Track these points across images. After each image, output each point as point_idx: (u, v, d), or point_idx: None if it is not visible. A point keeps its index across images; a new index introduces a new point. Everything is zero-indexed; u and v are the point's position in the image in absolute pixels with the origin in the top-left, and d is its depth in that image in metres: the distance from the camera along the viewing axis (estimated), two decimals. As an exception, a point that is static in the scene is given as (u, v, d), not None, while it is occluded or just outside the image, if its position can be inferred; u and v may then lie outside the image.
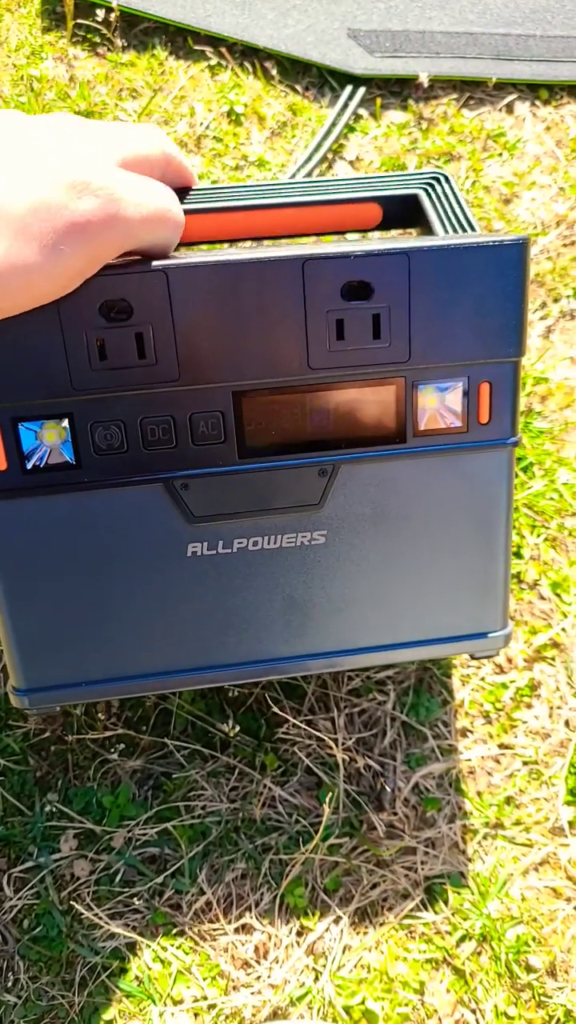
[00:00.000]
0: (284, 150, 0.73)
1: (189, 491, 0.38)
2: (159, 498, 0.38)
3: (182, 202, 0.38)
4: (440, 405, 0.37)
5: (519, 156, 0.76)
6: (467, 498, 0.42)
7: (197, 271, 0.31)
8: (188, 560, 0.39)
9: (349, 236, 0.49)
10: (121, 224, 0.28)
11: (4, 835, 0.54)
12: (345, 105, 0.74)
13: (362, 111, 0.75)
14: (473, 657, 0.44)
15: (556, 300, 0.68)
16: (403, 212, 0.42)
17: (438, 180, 0.43)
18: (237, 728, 0.53)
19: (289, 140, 0.73)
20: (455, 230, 0.40)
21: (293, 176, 0.70)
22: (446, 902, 0.52)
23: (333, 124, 0.73)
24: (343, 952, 0.50)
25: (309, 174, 0.71)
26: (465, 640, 0.44)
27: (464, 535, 0.43)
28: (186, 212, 0.38)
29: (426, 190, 0.41)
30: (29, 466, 0.35)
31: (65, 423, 0.34)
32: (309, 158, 0.71)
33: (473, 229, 0.39)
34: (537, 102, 0.78)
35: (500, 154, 0.75)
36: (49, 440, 0.34)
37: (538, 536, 0.58)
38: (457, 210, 0.41)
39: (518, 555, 0.58)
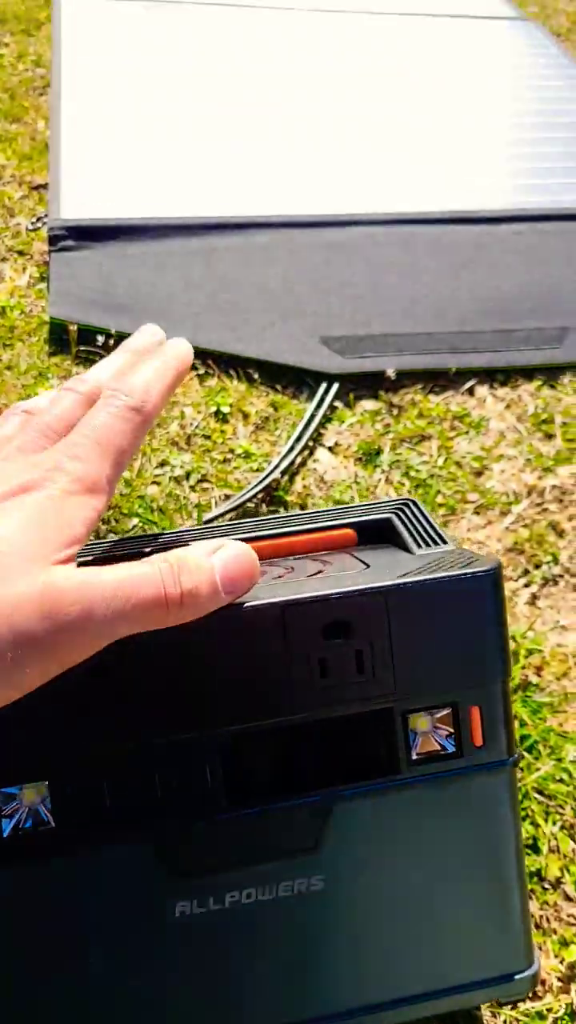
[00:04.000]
0: (268, 442, 0.79)
1: (175, 844, 0.36)
2: (141, 854, 0.36)
3: (154, 545, 0.40)
4: (431, 733, 0.37)
5: (485, 432, 0.82)
6: (470, 826, 0.39)
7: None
8: (176, 920, 0.36)
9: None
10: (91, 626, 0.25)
11: None
12: (322, 399, 0.82)
13: (337, 403, 0.83)
14: (499, 1004, 0.39)
15: (537, 566, 0.70)
16: (377, 535, 0.44)
17: (407, 505, 0.45)
18: None
19: (272, 432, 0.80)
20: (426, 543, 0.41)
21: (272, 471, 0.75)
22: None
23: (312, 416, 0.80)
24: None
25: (292, 463, 0.77)
26: (487, 987, 0.39)
27: (471, 866, 0.40)
28: (177, 545, 0.39)
29: (397, 514, 0.44)
30: (6, 833, 0.33)
31: (44, 782, 0.33)
32: (291, 448, 0.77)
33: (444, 542, 0.41)
34: (495, 384, 0.87)
35: (467, 432, 0.82)
36: (28, 800, 0.33)
37: (554, 824, 0.55)
38: (427, 526, 0.43)
39: (535, 848, 0.54)
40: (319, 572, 0.39)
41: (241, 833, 0.36)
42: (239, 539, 0.43)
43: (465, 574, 0.36)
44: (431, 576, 0.37)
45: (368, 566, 0.39)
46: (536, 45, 1.46)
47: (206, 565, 0.28)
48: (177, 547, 0.41)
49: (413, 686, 0.37)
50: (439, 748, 0.37)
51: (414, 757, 0.37)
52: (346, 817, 0.37)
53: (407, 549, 0.41)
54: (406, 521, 0.43)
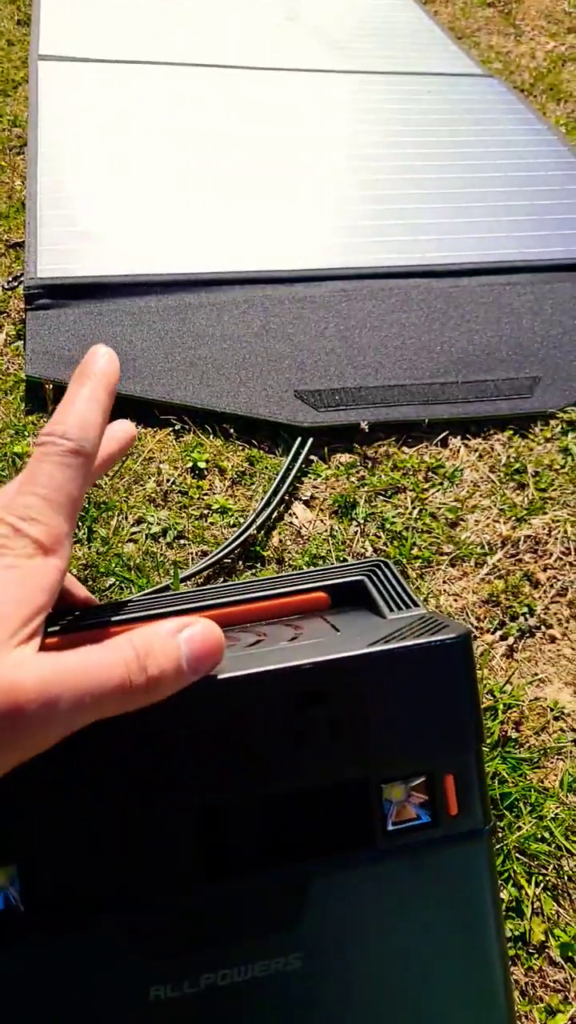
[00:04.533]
0: (244, 496, 0.80)
1: (148, 925, 0.35)
2: (115, 937, 0.35)
3: (130, 613, 0.40)
4: (406, 802, 0.36)
5: (458, 483, 0.83)
6: (446, 897, 0.39)
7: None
8: (151, 1004, 0.35)
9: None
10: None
11: None
12: (297, 453, 0.83)
13: (313, 456, 0.84)
14: None
15: (513, 618, 0.71)
16: (350, 597, 0.44)
17: (379, 566, 0.46)
18: None
19: (249, 487, 0.80)
20: (398, 607, 0.41)
21: (250, 523, 0.75)
22: None
23: (288, 470, 0.81)
24: None
25: (269, 518, 0.77)
26: None
27: (449, 940, 0.39)
28: (146, 619, 0.39)
29: (369, 576, 0.44)
30: None
31: (13, 867, 0.33)
32: (267, 503, 0.78)
33: (416, 605, 0.41)
34: (468, 435, 0.88)
35: (441, 483, 0.83)
36: None
37: (536, 885, 0.55)
38: (399, 589, 0.43)
39: (519, 911, 0.53)
40: (292, 639, 0.39)
41: (215, 912, 0.35)
42: (215, 604, 0.43)
43: (435, 642, 0.37)
44: (401, 644, 0.37)
45: (339, 632, 0.39)
46: (500, 101, 1.51)
47: (171, 647, 0.27)
48: (148, 615, 0.41)
49: (387, 755, 0.37)
50: (414, 818, 0.36)
51: (389, 828, 0.36)
52: (322, 891, 0.36)
53: (379, 613, 0.41)
54: (378, 583, 0.43)
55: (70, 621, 0.40)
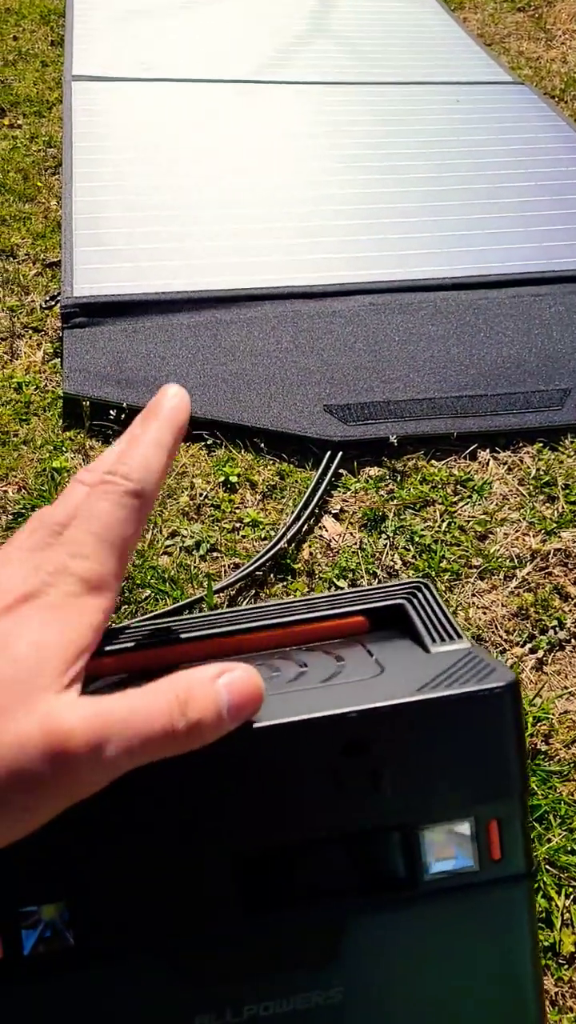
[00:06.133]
0: (275, 510, 0.81)
1: (192, 957, 0.36)
2: (160, 968, 0.36)
3: (170, 635, 0.41)
4: (449, 847, 0.37)
5: (487, 496, 0.84)
6: (487, 940, 0.39)
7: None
8: None
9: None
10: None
11: None
12: (327, 467, 0.84)
13: (342, 470, 0.85)
14: None
15: (543, 631, 0.71)
16: (389, 621, 0.45)
17: (419, 588, 0.46)
18: None
19: (279, 501, 0.82)
20: (440, 637, 0.42)
21: (280, 537, 0.77)
22: None
23: (317, 484, 0.83)
24: None
25: (300, 530, 0.79)
26: None
27: (488, 981, 0.40)
28: (184, 641, 0.41)
29: (409, 599, 0.45)
30: (27, 950, 0.34)
31: (63, 903, 0.34)
32: (298, 516, 0.79)
33: (458, 636, 0.42)
34: (497, 448, 0.89)
35: (470, 496, 0.84)
36: (47, 916, 0.34)
37: (567, 897, 0.55)
38: (440, 616, 0.44)
39: (548, 923, 0.54)
40: (334, 675, 0.40)
41: (258, 945, 0.36)
42: (255, 627, 0.45)
43: (483, 690, 0.37)
44: (449, 693, 0.37)
45: (383, 669, 0.40)
46: (531, 108, 1.51)
47: (213, 694, 0.27)
48: (191, 637, 0.42)
49: (430, 801, 0.37)
50: (456, 863, 0.37)
51: (431, 872, 0.37)
52: (363, 929, 0.37)
53: (421, 643, 0.42)
54: (419, 608, 0.44)
55: (107, 644, 0.42)
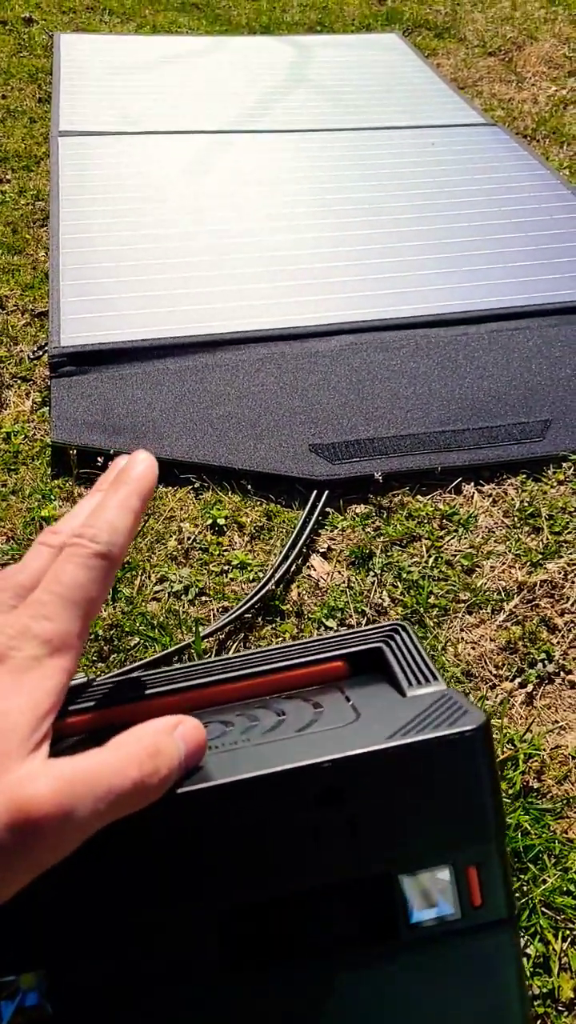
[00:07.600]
0: (263, 551, 0.82)
1: (173, 1019, 0.36)
2: None
3: (144, 689, 0.41)
4: (429, 894, 0.37)
5: (473, 529, 0.84)
6: (472, 988, 0.39)
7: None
8: None
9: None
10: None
11: None
12: (313, 506, 0.85)
13: (329, 508, 0.86)
14: None
15: (531, 664, 0.71)
16: (368, 664, 0.46)
17: (396, 631, 0.47)
18: None
19: (267, 541, 0.83)
20: (416, 680, 0.42)
21: (270, 577, 0.77)
22: None
23: (304, 523, 0.83)
24: None
25: (288, 571, 0.79)
26: None
27: None
28: (156, 695, 0.41)
29: (387, 642, 0.45)
30: (5, 1021, 0.34)
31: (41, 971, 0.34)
32: (285, 557, 0.80)
33: (435, 678, 0.42)
34: (481, 481, 0.90)
35: (456, 530, 0.84)
36: (25, 986, 0.33)
37: (564, 940, 0.54)
38: (416, 658, 0.44)
39: (546, 968, 0.53)
40: (310, 723, 0.41)
41: (241, 1004, 0.36)
42: (235, 676, 0.45)
43: (454, 734, 0.37)
44: (420, 738, 0.37)
45: (359, 715, 0.40)
46: (504, 149, 1.55)
47: (173, 746, 0.28)
48: (171, 689, 0.42)
49: (408, 848, 0.37)
50: (438, 910, 0.37)
51: (412, 921, 0.37)
52: (345, 984, 0.37)
53: (398, 686, 0.42)
54: (396, 651, 0.44)
55: (77, 702, 0.42)
